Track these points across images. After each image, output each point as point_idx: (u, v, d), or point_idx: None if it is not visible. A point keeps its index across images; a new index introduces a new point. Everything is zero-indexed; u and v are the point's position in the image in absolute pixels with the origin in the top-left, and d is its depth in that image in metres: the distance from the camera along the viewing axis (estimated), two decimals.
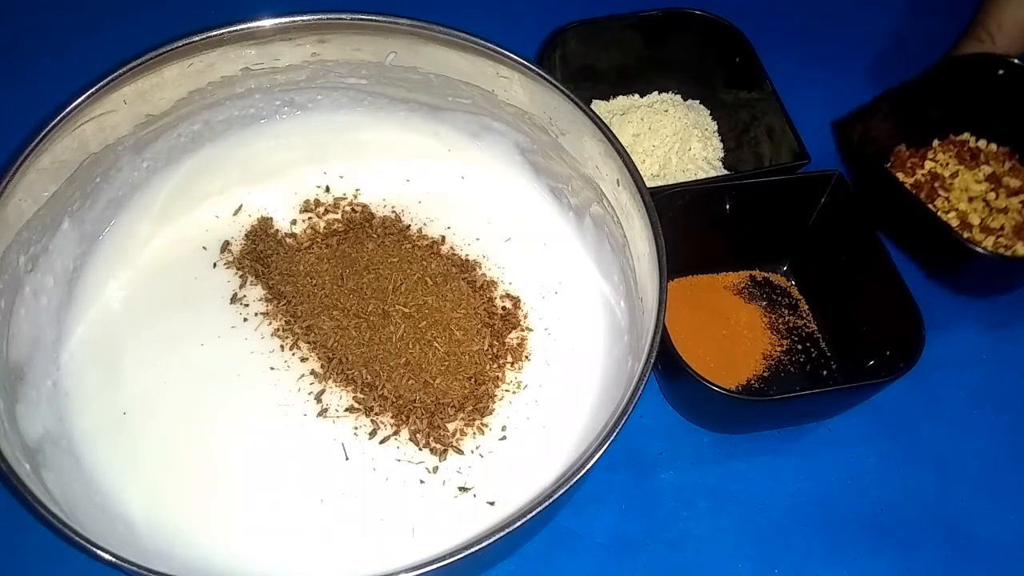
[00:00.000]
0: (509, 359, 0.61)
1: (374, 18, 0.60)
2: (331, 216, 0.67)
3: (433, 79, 0.66)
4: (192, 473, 0.56)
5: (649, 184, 0.58)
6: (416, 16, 0.60)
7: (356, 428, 0.58)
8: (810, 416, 0.66)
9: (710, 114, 0.80)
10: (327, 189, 0.68)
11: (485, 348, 0.61)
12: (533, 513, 0.46)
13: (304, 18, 0.60)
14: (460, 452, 0.57)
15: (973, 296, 0.73)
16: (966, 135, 0.78)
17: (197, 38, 0.58)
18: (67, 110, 0.55)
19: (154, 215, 0.65)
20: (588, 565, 0.61)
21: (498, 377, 0.60)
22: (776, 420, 0.66)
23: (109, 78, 0.56)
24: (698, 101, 0.81)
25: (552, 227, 0.67)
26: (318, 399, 0.59)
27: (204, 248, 0.65)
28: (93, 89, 0.56)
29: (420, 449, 0.57)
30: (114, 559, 0.44)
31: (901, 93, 0.75)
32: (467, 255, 0.65)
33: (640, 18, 0.77)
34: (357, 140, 0.70)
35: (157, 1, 0.86)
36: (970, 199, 0.73)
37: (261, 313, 0.62)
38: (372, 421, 0.58)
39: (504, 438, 0.58)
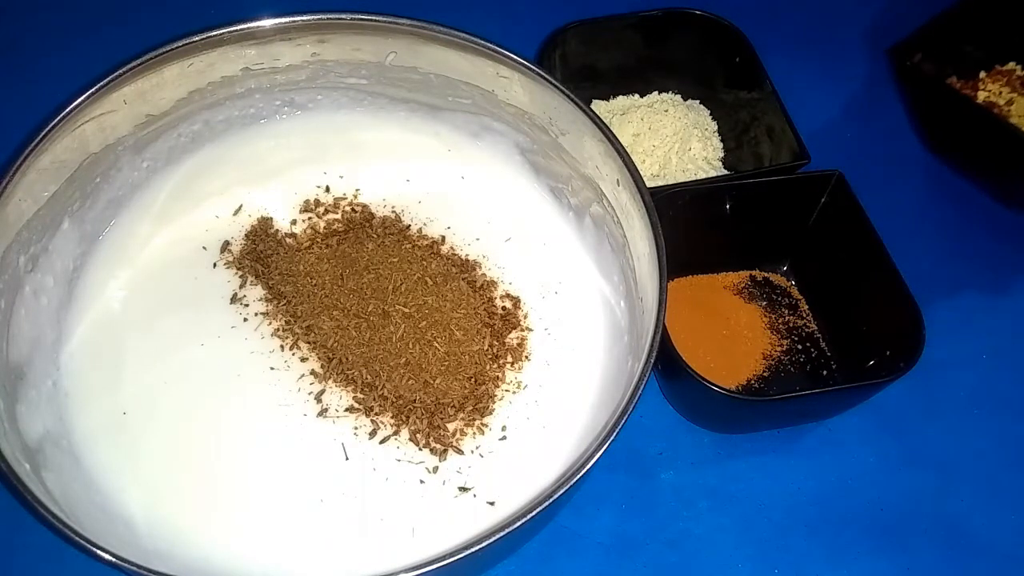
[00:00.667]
0: (509, 359, 0.61)
1: (374, 18, 0.60)
2: (331, 216, 0.67)
3: (433, 79, 0.66)
4: (192, 473, 0.56)
5: (649, 184, 0.58)
6: (416, 16, 0.60)
7: (356, 428, 0.58)
8: (810, 416, 0.66)
9: (710, 114, 0.80)
10: (327, 189, 0.68)
11: (485, 348, 0.61)
12: (533, 513, 0.46)
13: (304, 18, 0.60)
14: (460, 452, 0.57)
15: None
16: (1012, 64, 0.78)
17: (197, 38, 0.58)
18: (67, 110, 0.55)
19: (154, 215, 0.65)
20: (588, 565, 0.61)
21: (498, 377, 0.60)
22: (776, 420, 0.66)
23: (109, 78, 0.56)
24: (698, 101, 0.81)
25: (552, 227, 0.67)
26: (318, 399, 0.59)
27: (204, 248, 0.65)
28: (93, 89, 0.56)
29: (420, 449, 0.57)
30: (114, 559, 0.45)
31: (944, 25, 0.75)
32: (467, 255, 0.65)
33: (640, 18, 0.78)
34: (357, 140, 0.70)
35: (157, 1, 0.86)
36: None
37: (261, 313, 0.62)
38: (372, 421, 0.58)
39: (504, 438, 0.58)
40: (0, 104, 0.77)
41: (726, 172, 0.76)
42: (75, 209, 0.60)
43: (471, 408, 0.58)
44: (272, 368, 0.60)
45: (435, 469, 0.57)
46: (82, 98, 0.56)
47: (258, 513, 0.55)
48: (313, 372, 0.60)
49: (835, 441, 0.66)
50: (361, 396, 0.59)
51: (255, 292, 0.63)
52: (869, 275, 0.65)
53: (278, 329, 0.61)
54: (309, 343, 0.60)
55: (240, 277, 0.64)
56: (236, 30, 0.59)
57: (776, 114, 0.72)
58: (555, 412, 0.59)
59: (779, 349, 0.68)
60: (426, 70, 0.66)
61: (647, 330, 0.52)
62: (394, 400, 0.58)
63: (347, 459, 0.57)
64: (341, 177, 0.69)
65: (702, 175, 0.74)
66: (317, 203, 0.67)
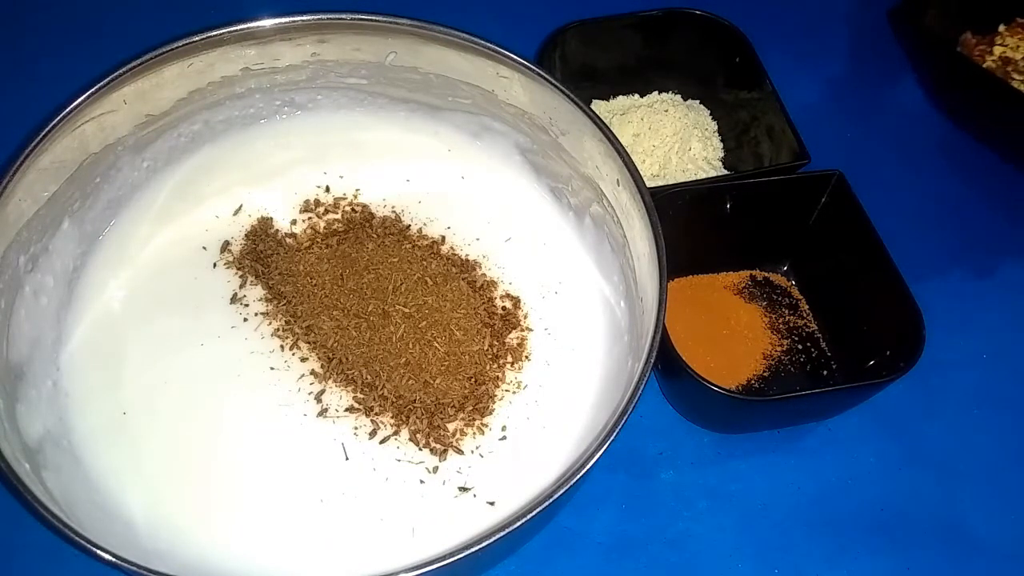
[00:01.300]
0: (509, 359, 0.61)
1: (374, 18, 0.60)
2: (331, 216, 0.67)
3: (433, 79, 0.66)
4: (192, 473, 0.56)
5: (649, 184, 0.58)
6: (416, 16, 0.60)
7: (356, 428, 0.58)
8: (810, 416, 0.66)
9: (710, 114, 0.80)
10: (327, 189, 0.68)
11: (485, 348, 0.61)
12: (533, 513, 0.46)
13: (304, 18, 0.60)
14: (460, 452, 0.57)
15: None
16: None
17: (197, 38, 0.58)
18: (67, 110, 0.55)
19: (154, 215, 0.65)
20: (588, 565, 0.61)
21: (498, 377, 0.60)
22: (776, 420, 0.66)
23: (109, 78, 0.56)
24: (698, 101, 0.81)
25: (552, 227, 0.67)
26: (318, 399, 0.59)
27: (204, 248, 0.65)
28: (93, 89, 0.56)
29: (420, 449, 0.57)
30: (114, 559, 0.44)
31: None
32: (467, 255, 0.65)
33: (640, 18, 0.78)
34: (357, 140, 0.70)
35: (157, 1, 0.86)
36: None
37: (261, 313, 0.62)
38: (372, 421, 0.58)
39: (504, 438, 0.58)
40: (0, 104, 0.77)
41: (726, 172, 0.76)
42: (75, 209, 0.60)
43: (471, 408, 0.58)
44: (272, 368, 0.60)
45: (435, 469, 0.57)
46: (82, 98, 0.55)
47: (258, 513, 0.55)
48: (313, 372, 0.60)
49: (835, 441, 0.66)
50: (361, 396, 0.59)
51: (255, 292, 0.63)
52: (869, 275, 0.65)
53: (278, 329, 0.61)
54: (309, 343, 0.60)
55: (240, 277, 0.64)
56: (236, 30, 0.59)
57: (776, 114, 0.72)
58: (555, 412, 0.59)
59: (779, 349, 0.68)
60: (426, 70, 0.65)
61: (647, 330, 0.52)
62: (394, 400, 0.58)
63: (347, 459, 0.57)
64: (341, 177, 0.69)
65: (702, 175, 0.74)
66: (317, 203, 0.67)
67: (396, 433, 0.58)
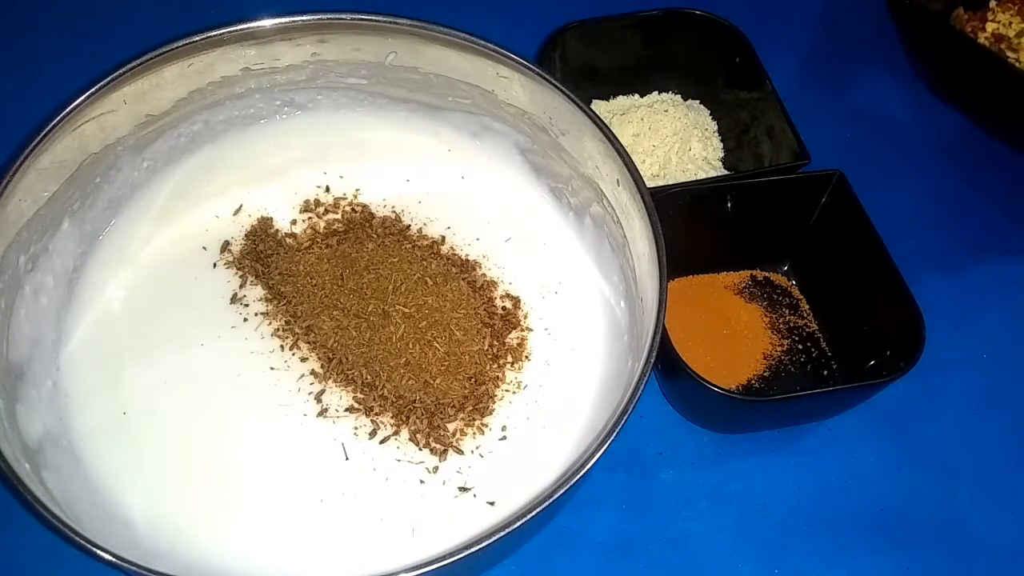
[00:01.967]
0: (509, 359, 0.61)
1: (374, 18, 0.60)
2: (331, 216, 0.67)
3: (433, 79, 0.66)
4: (192, 473, 0.56)
5: (649, 184, 0.58)
6: (416, 16, 0.60)
7: (356, 428, 0.58)
8: (810, 416, 0.66)
9: (710, 114, 0.80)
10: (327, 189, 0.68)
11: (485, 348, 0.61)
12: (533, 513, 0.46)
13: (304, 18, 0.60)
14: (460, 452, 0.57)
15: None
16: None
17: (197, 38, 0.58)
18: (67, 110, 0.55)
19: (154, 215, 0.65)
20: (588, 565, 0.61)
21: (498, 377, 0.60)
22: (776, 420, 0.66)
23: (109, 78, 0.56)
24: (698, 101, 0.81)
25: (552, 227, 0.67)
26: (318, 399, 0.59)
27: (204, 248, 0.65)
28: (93, 89, 0.56)
29: (420, 449, 0.57)
30: (114, 559, 0.44)
31: None
32: (467, 255, 0.65)
33: (640, 18, 0.77)
34: (357, 140, 0.70)
35: (157, 1, 0.86)
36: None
37: (261, 313, 0.62)
38: (372, 421, 0.58)
39: (504, 438, 0.58)
40: (0, 104, 0.77)
41: (726, 172, 0.76)
42: (75, 209, 0.60)
43: (471, 408, 0.58)
44: (272, 368, 0.60)
45: (435, 469, 0.57)
46: (82, 98, 0.55)
47: (258, 513, 0.55)
48: (313, 372, 0.60)
49: (835, 441, 0.66)
50: (361, 396, 0.59)
51: (255, 292, 0.63)
52: (870, 275, 0.65)
53: (278, 329, 0.61)
54: (309, 343, 0.60)
55: (240, 277, 0.64)
56: (236, 30, 0.59)
57: (776, 114, 0.72)
58: (555, 412, 0.59)
59: (779, 349, 0.68)
60: (426, 70, 0.65)
61: (647, 330, 0.52)
62: (394, 400, 0.58)
63: (347, 459, 0.57)
64: (341, 177, 0.69)
65: (702, 175, 0.74)
66: (317, 203, 0.67)
67: (396, 433, 0.58)
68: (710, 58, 0.78)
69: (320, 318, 0.61)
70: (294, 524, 0.55)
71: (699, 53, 0.78)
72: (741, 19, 0.76)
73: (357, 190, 0.68)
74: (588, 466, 0.47)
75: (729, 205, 0.68)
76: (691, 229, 0.64)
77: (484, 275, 0.64)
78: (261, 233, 0.65)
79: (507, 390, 0.60)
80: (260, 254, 0.64)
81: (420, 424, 0.57)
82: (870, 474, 0.65)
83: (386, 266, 0.63)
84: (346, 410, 0.58)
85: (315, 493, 0.56)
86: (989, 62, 0.67)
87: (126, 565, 0.44)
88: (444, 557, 0.45)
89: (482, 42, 0.60)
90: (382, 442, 0.57)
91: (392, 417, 0.58)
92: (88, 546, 0.45)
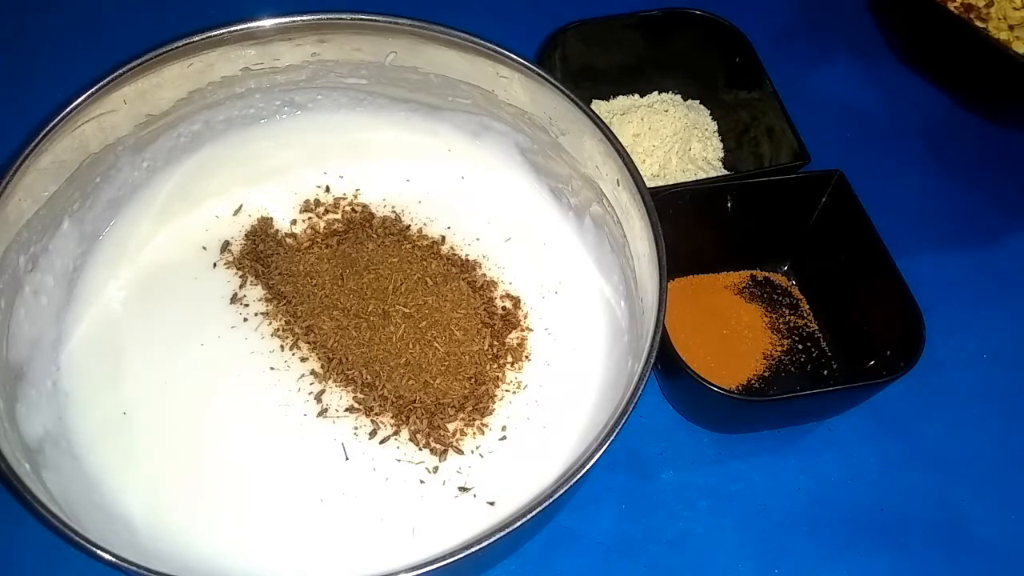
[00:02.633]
0: (509, 359, 0.61)
1: (374, 18, 0.60)
2: (331, 216, 0.67)
3: (433, 79, 0.66)
4: (192, 473, 0.56)
5: (649, 184, 0.58)
6: (416, 16, 0.60)
7: (356, 428, 0.58)
8: (810, 416, 0.66)
9: (710, 114, 0.80)
10: (327, 189, 0.68)
11: (485, 348, 0.61)
12: (533, 513, 0.46)
13: (304, 18, 0.60)
14: (460, 452, 0.57)
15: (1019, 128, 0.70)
16: None
17: (197, 38, 0.58)
18: (67, 110, 0.55)
19: (154, 215, 0.65)
20: (588, 565, 0.61)
21: (498, 377, 0.60)
22: (776, 420, 0.66)
23: (109, 78, 0.56)
24: (698, 101, 0.81)
25: (552, 227, 0.67)
26: (318, 399, 0.59)
27: (204, 248, 0.65)
28: (93, 89, 0.56)
29: (420, 449, 0.57)
30: (114, 559, 0.44)
31: None
32: (467, 255, 0.65)
33: (640, 18, 0.77)
34: (357, 140, 0.70)
35: (157, 1, 0.86)
36: (1011, 27, 0.71)
37: (261, 313, 0.62)
38: (372, 421, 0.58)
39: (504, 438, 0.58)
40: (0, 103, 0.77)
41: (726, 172, 0.76)
42: (75, 209, 0.60)
43: (471, 408, 0.58)
44: (272, 368, 0.60)
45: (435, 469, 0.57)
46: (82, 98, 0.55)
47: (258, 513, 0.55)
48: (313, 372, 0.60)
49: (835, 441, 0.66)
50: (361, 396, 0.59)
51: (255, 292, 0.63)
52: (870, 275, 0.65)
53: (278, 329, 0.61)
54: (309, 343, 0.60)
55: (240, 277, 0.64)
56: (236, 30, 0.59)
57: (776, 114, 0.72)
58: (555, 412, 0.59)
59: (780, 349, 0.68)
60: (426, 70, 0.65)
61: (647, 330, 0.52)
62: (394, 400, 0.58)
63: (347, 459, 0.57)
64: (341, 177, 0.69)
65: (702, 175, 0.74)
66: (317, 203, 0.67)
67: (396, 433, 0.58)
68: (710, 58, 0.78)
69: (320, 318, 0.61)
70: (294, 524, 0.55)
71: (699, 53, 0.78)
72: (741, 19, 0.76)
73: (357, 190, 0.68)
74: (588, 466, 0.47)
75: (729, 205, 0.68)
76: (691, 229, 0.64)
77: (484, 275, 0.64)
78: (261, 233, 0.65)
79: (507, 390, 0.60)
80: (260, 254, 0.64)
81: (420, 424, 0.57)
82: (870, 474, 0.65)
83: (386, 266, 0.63)
84: (346, 410, 0.58)
85: (315, 493, 0.56)
86: (959, 29, 0.66)
87: (126, 565, 0.44)
88: (444, 557, 0.45)
89: (482, 42, 0.60)
90: (382, 442, 0.57)
91: (392, 417, 0.58)
92: (88, 546, 0.45)
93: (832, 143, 0.77)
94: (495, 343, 0.61)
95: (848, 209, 0.66)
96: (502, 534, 0.46)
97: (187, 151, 0.67)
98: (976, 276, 0.75)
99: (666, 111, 0.77)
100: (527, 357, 0.61)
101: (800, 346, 0.68)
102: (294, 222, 0.67)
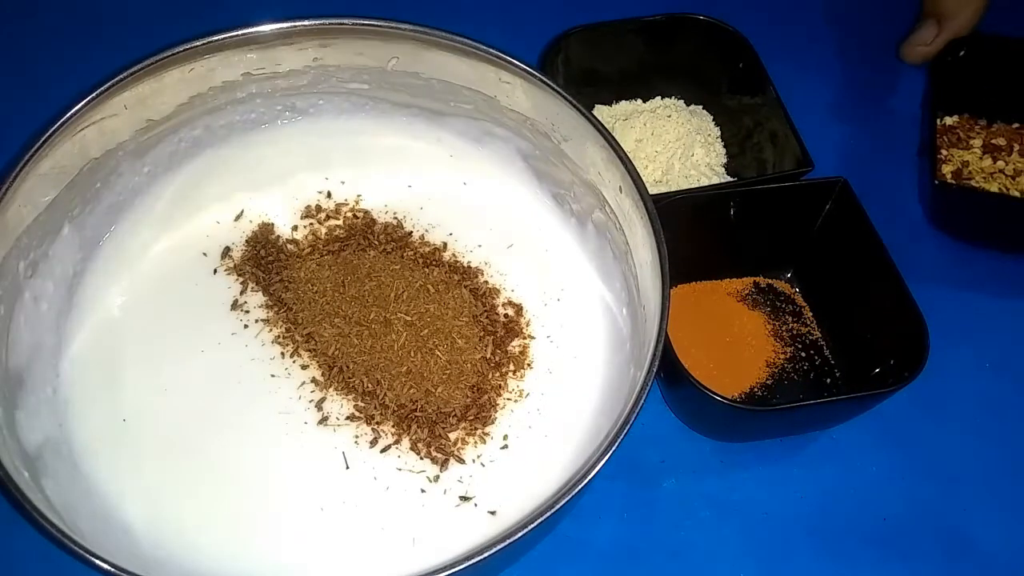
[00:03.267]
0: (511, 367, 0.61)
1: (376, 23, 0.60)
2: (332, 222, 0.67)
3: (435, 84, 0.66)
4: (192, 481, 0.56)
5: (651, 191, 0.58)
6: (418, 21, 0.59)
7: (357, 437, 0.58)
8: (813, 425, 0.66)
9: (713, 120, 0.79)
10: (328, 195, 0.68)
11: (487, 356, 0.60)
12: (535, 523, 0.46)
13: (306, 23, 0.60)
14: (461, 461, 0.57)
15: None
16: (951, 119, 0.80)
17: (198, 43, 0.58)
18: (68, 115, 0.55)
19: (155, 221, 0.65)
20: (590, 574, 0.60)
21: (500, 386, 0.60)
22: (779, 429, 0.66)
23: (110, 83, 0.56)
24: (701, 106, 0.80)
25: (554, 234, 0.67)
26: (319, 407, 0.58)
27: (205, 254, 0.65)
28: (94, 94, 0.56)
29: (421, 458, 0.57)
30: (111, 568, 0.44)
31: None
32: (469, 262, 0.65)
33: (643, 23, 0.77)
34: (359, 145, 0.70)
35: (158, 5, 0.86)
36: (990, 175, 0.75)
37: (262, 320, 0.62)
38: (373, 430, 0.58)
39: (506, 447, 0.58)
40: (0, 108, 0.77)
41: (729, 178, 0.76)
42: (75, 215, 0.60)
43: (473, 417, 0.58)
44: (273, 375, 0.60)
45: (436, 478, 0.56)
46: (83, 103, 0.55)
47: (257, 521, 0.55)
48: (314, 380, 0.59)
49: (838, 450, 0.66)
50: (362, 404, 0.58)
51: (256, 299, 0.63)
52: (873, 283, 0.65)
53: (279, 336, 0.61)
54: (310, 350, 0.60)
55: (241, 283, 0.63)
56: (237, 35, 0.59)
57: (779, 120, 0.72)
58: (557, 421, 0.59)
59: (783, 357, 0.68)
60: (428, 75, 0.65)
61: (649, 338, 0.52)
62: (395, 409, 0.58)
63: (348, 468, 0.57)
64: (343, 183, 0.68)
65: (705, 181, 0.74)
66: (318, 209, 0.67)
67: (397, 442, 0.57)
68: (713, 64, 0.78)
69: (321, 325, 0.60)
70: (294, 533, 0.54)
71: (702, 58, 0.78)
72: (745, 25, 0.76)
73: (359, 196, 0.68)
74: (590, 475, 0.47)
75: (732, 212, 0.68)
76: (694, 236, 0.64)
77: (486, 282, 0.64)
78: (262, 239, 0.65)
79: (509, 398, 0.60)
80: (261, 260, 0.64)
81: (421, 433, 0.57)
82: (873, 484, 0.65)
83: (387, 273, 0.62)
84: (347, 418, 0.58)
85: (315, 502, 0.55)
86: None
87: (123, 575, 0.44)
88: (445, 567, 0.45)
89: (484, 47, 0.59)
90: (383, 451, 0.57)
91: (393, 426, 0.58)
92: (86, 555, 0.44)
93: (835, 150, 0.77)
94: (497, 351, 0.61)
95: (852, 217, 0.66)
96: (503, 544, 0.45)
97: (188, 156, 0.67)
98: (981, 285, 0.75)
99: (669, 117, 0.77)
100: (529, 365, 0.61)
101: (803, 354, 0.68)
102: (295, 228, 0.66)
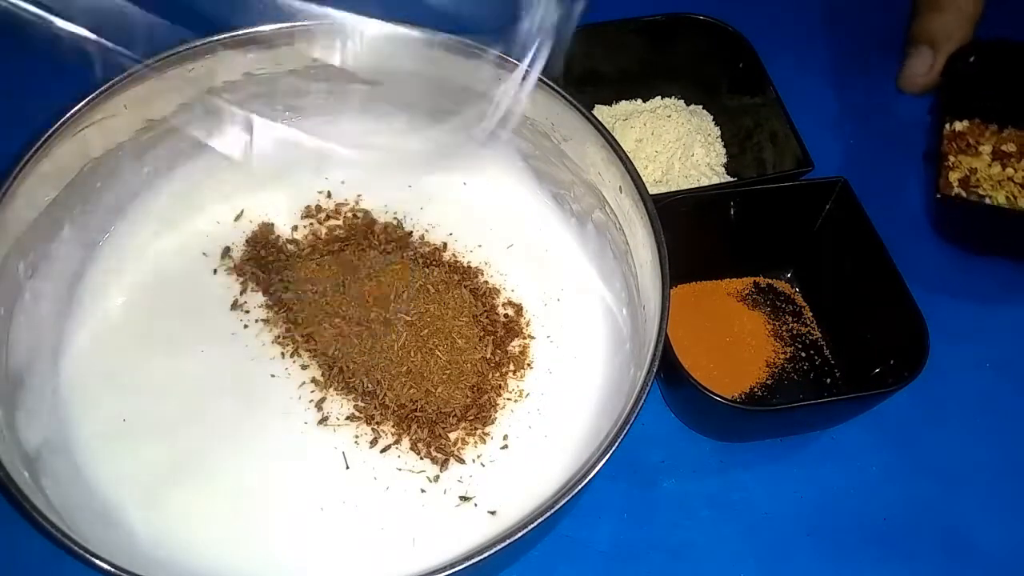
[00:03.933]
0: (511, 367, 0.61)
1: (376, 23, 0.60)
2: (332, 222, 0.67)
3: (435, 84, 0.66)
4: (192, 480, 0.56)
5: (651, 191, 0.58)
6: (418, 21, 0.59)
7: (357, 437, 0.58)
8: (813, 425, 0.66)
9: (713, 120, 0.79)
10: (328, 195, 0.68)
11: (487, 356, 0.60)
12: (535, 523, 0.46)
13: (306, 23, 0.60)
14: (461, 461, 0.57)
15: None
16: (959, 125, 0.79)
17: (198, 43, 0.58)
18: (68, 115, 0.55)
19: (155, 220, 0.65)
20: (590, 574, 0.60)
21: (500, 386, 0.60)
22: (779, 429, 0.66)
23: (111, 83, 0.56)
24: (701, 106, 0.80)
25: (554, 234, 0.67)
26: (319, 407, 0.58)
27: (205, 254, 0.65)
28: (94, 94, 0.56)
29: (421, 458, 0.57)
30: (111, 568, 0.44)
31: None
32: (469, 262, 0.65)
33: (643, 23, 0.77)
34: (359, 145, 0.70)
35: (159, 5, 0.86)
36: (999, 183, 0.75)
37: (262, 320, 0.62)
38: (373, 430, 0.58)
39: (506, 447, 0.58)
40: (0, 108, 0.77)
41: (729, 178, 0.76)
42: (75, 214, 0.60)
43: (473, 417, 0.58)
44: (273, 375, 0.60)
45: (436, 478, 0.56)
46: (83, 103, 0.56)
47: (257, 521, 0.55)
48: (314, 380, 0.59)
49: (838, 450, 0.66)
50: (362, 404, 0.58)
51: (256, 299, 0.63)
52: (873, 283, 0.65)
53: (279, 336, 0.61)
54: (310, 350, 0.60)
55: (241, 283, 0.63)
56: (237, 35, 0.59)
57: (779, 120, 0.72)
58: (557, 421, 0.59)
59: (783, 357, 0.68)
60: (428, 75, 0.65)
61: (649, 339, 0.52)
62: (395, 409, 0.58)
63: (348, 468, 0.57)
64: (343, 183, 0.68)
65: (705, 181, 0.74)
66: (318, 209, 0.67)
67: (397, 442, 0.57)
68: (713, 63, 0.78)
69: (321, 325, 0.60)
70: (294, 533, 0.54)
71: (702, 58, 0.78)
72: (745, 24, 0.76)
73: (359, 196, 0.68)
74: (590, 475, 0.47)
75: (732, 212, 0.68)
76: (694, 236, 0.64)
77: (486, 282, 0.64)
78: (262, 239, 0.65)
79: (509, 399, 0.60)
80: (261, 260, 0.64)
81: (421, 433, 0.57)
82: (873, 484, 0.65)
83: (388, 273, 0.62)
84: (347, 418, 0.58)
85: (315, 502, 0.55)
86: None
87: (123, 575, 0.44)
88: (445, 567, 0.45)
89: (484, 47, 0.59)
90: (383, 451, 0.57)
91: (393, 426, 0.58)
92: (86, 555, 0.44)
93: (835, 150, 0.77)
94: (497, 351, 0.61)
95: (852, 217, 0.66)
96: (503, 544, 0.45)
97: (188, 156, 0.67)
98: (980, 284, 0.75)
99: (669, 116, 0.77)
100: (529, 365, 0.61)
101: (803, 354, 0.68)
102: (295, 228, 0.66)
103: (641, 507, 0.63)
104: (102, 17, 0.54)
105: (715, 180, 0.75)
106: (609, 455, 0.48)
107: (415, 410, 0.58)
